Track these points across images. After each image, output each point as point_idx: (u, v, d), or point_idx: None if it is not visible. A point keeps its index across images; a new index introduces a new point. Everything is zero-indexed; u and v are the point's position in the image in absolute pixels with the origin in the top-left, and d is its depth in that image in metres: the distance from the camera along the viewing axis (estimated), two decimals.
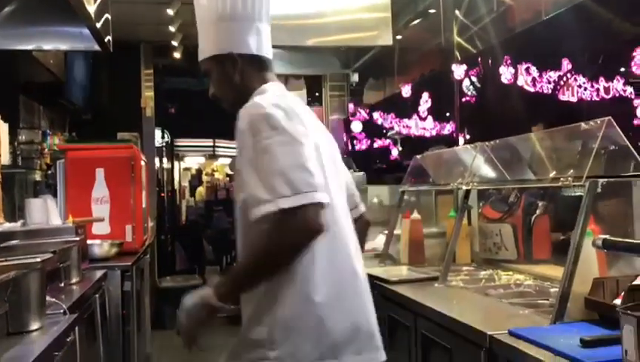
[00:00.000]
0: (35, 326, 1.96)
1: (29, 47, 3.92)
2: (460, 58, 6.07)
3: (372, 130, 8.46)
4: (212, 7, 1.65)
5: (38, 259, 1.99)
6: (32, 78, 5.16)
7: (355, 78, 7.63)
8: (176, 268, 8.84)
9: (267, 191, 1.39)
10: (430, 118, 6.96)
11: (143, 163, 4.67)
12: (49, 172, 5.11)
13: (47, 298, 2.24)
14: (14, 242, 3.03)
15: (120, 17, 4.56)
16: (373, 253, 3.72)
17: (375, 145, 8.57)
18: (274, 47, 1.75)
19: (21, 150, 4.81)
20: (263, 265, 1.45)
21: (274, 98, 1.55)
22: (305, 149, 1.45)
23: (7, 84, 4.91)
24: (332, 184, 1.57)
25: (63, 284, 2.76)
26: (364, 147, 8.78)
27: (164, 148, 10.34)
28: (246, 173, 1.46)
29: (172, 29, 5.83)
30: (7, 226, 3.12)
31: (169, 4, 5.26)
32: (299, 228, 1.38)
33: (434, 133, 6.90)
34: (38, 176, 5.11)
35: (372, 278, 2.88)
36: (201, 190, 12.57)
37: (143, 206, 4.52)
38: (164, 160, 10.71)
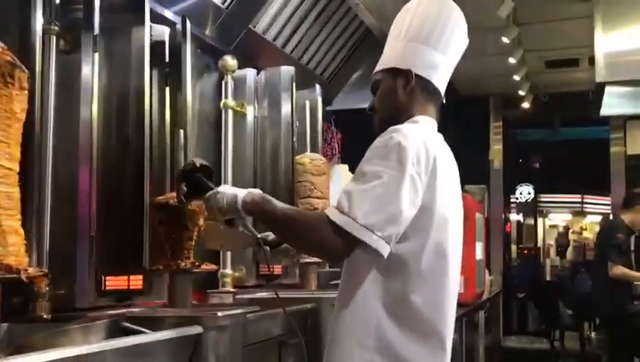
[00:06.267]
0: None
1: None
2: None
3: None
4: (404, 27, 1.65)
5: None
6: None
7: None
8: (527, 328, 8.37)
9: (349, 203, 1.40)
10: None
11: (479, 215, 4.63)
12: None
13: None
14: None
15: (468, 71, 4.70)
16: None
17: None
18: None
19: None
20: (293, 230, 1.50)
21: (423, 136, 1.49)
22: (407, 195, 1.42)
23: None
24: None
25: None
26: None
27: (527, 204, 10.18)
28: (350, 180, 1.49)
29: (517, 78, 5.69)
30: None
31: (510, 53, 5.16)
32: (335, 247, 1.41)
33: None
34: None
35: None
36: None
37: (478, 258, 4.44)
38: (522, 216, 10.48)
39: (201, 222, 1.88)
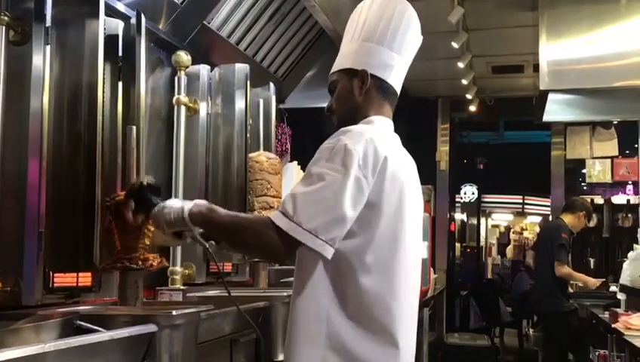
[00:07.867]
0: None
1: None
2: None
3: None
4: (359, 27, 1.66)
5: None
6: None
7: None
8: (469, 325, 8.59)
9: (294, 207, 1.42)
10: None
11: (426, 214, 4.76)
12: None
13: None
14: None
15: (418, 74, 4.75)
16: None
17: None
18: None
19: None
20: (238, 236, 1.53)
21: (373, 137, 1.50)
22: (351, 197, 1.44)
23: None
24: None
25: None
26: None
27: (471, 204, 10.43)
28: (298, 182, 1.50)
29: (464, 82, 5.84)
30: None
31: (459, 58, 5.28)
32: (279, 250, 1.45)
33: None
34: None
35: None
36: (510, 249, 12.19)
37: (424, 256, 4.55)
38: (465, 215, 10.73)
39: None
